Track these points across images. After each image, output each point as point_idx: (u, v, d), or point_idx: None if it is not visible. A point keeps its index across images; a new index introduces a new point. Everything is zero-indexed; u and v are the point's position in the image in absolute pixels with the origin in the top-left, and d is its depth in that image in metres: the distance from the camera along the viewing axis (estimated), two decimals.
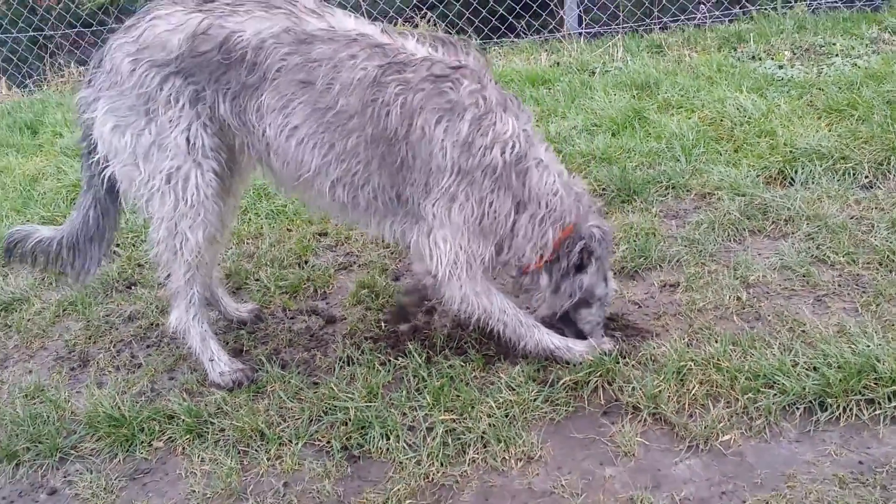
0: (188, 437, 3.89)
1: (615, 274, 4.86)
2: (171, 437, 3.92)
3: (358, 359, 4.28)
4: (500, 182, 3.86)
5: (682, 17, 9.72)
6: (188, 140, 3.85)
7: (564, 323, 4.28)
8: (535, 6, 9.76)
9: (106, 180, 4.05)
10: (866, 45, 7.99)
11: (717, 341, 4.05)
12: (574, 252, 4.04)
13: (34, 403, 4.24)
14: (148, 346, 4.68)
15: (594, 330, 4.24)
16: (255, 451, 3.77)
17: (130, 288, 5.27)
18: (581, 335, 4.24)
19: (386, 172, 3.87)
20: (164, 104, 3.81)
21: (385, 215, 4.04)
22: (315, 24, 3.80)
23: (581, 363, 4.03)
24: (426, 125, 3.75)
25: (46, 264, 4.41)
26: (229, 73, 3.81)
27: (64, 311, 5.11)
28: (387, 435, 3.74)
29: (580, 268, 4.09)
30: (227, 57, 3.77)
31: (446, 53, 3.86)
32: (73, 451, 3.92)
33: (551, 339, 4.12)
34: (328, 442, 3.78)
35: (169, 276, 4.15)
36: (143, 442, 3.90)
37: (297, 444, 3.77)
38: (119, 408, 4.05)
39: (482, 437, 3.68)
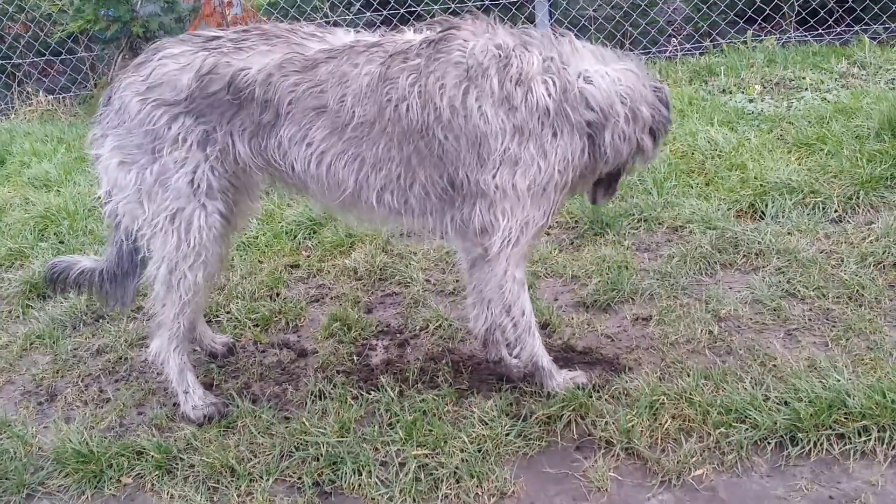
0: (157, 473, 3.83)
1: (588, 307, 4.88)
2: (139, 474, 3.86)
3: (330, 393, 4.25)
4: (561, 122, 3.68)
5: (654, 50, 9.82)
6: (192, 182, 3.82)
7: (608, 185, 4.15)
8: None
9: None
10: (836, 79, 8.08)
11: (689, 375, 4.06)
12: (666, 107, 3.90)
13: (0, 439, 4.17)
14: (117, 381, 4.63)
15: (614, 194, 4.24)
16: (226, 487, 3.72)
17: (98, 321, 5.21)
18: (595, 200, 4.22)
19: (429, 164, 3.76)
20: (170, 143, 3.79)
21: (443, 210, 3.90)
22: (315, 46, 3.77)
23: (553, 395, 4.03)
24: (454, 101, 3.64)
25: (91, 293, 4.54)
26: (242, 113, 3.78)
27: (31, 344, 5.04)
28: (359, 470, 3.71)
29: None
30: (236, 96, 3.74)
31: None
32: (40, 488, 3.86)
33: (543, 358, 4.10)
34: (299, 478, 3.74)
35: (160, 307, 4.12)
36: (111, 478, 3.84)
37: (268, 480, 3.72)
38: (87, 443, 3.99)
39: (455, 473, 3.65)
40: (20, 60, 10.61)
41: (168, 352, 4.17)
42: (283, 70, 3.72)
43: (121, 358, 4.82)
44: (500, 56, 3.66)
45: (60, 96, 10.43)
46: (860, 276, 4.79)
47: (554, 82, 3.66)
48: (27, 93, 10.45)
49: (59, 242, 6.21)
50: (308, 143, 3.78)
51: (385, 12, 9.87)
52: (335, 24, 4.01)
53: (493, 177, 3.68)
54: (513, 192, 3.69)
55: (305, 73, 3.72)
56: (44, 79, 10.87)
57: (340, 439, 3.88)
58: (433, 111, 3.65)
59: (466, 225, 3.86)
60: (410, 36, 3.82)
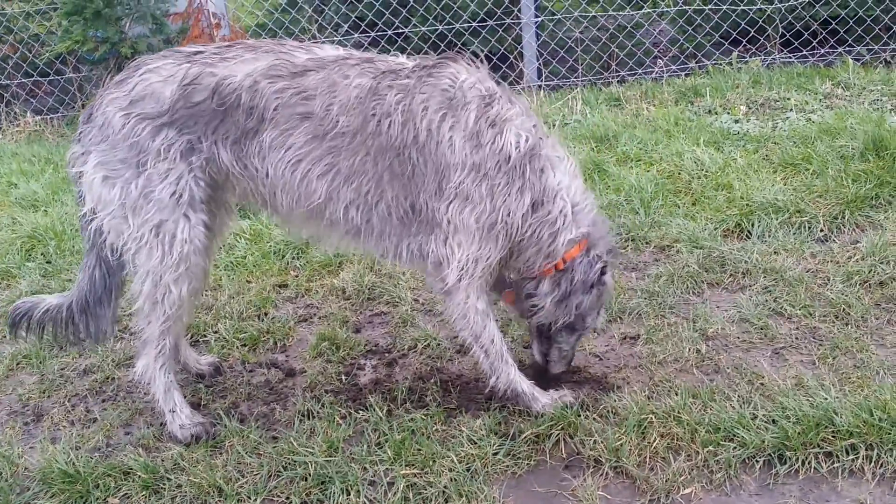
0: (144, 493, 3.81)
1: None
2: (126, 494, 3.84)
3: (318, 412, 4.24)
4: (515, 176, 3.75)
5: (640, 71, 9.88)
6: (174, 193, 3.83)
7: (542, 340, 4.22)
8: (495, 58, 9.85)
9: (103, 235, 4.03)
10: (820, 99, 8.15)
11: (677, 394, 4.07)
12: (593, 271, 3.95)
13: None
14: (103, 401, 4.60)
15: (562, 361, 4.24)
16: None
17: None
18: (545, 360, 4.25)
19: (398, 184, 3.80)
20: (154, 156, 3.80)
21: (401, 235, 3.93)
22: (303, 56, 3.82)
23: (542, 415, 4.03)
24: (431, 126, 3.71)
25: (57, 333, 4.35)
26: (227, 121, 3.80)
27: (18, 364, 5.01)
28: (347, 490, 3.69)
29: (590, 287, 3.99)
30: (221, 104, 3.76)
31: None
32: None
33: (522, 383, 4.10)
34: (287, 498, 3.72)
35: (146, 324, 4.09)
36: (98, 499, 3.81)
37: (256, 500, 3.70)
38: (74, 464, 3.97)
39: (444, 492, 3.64)
40: (8, 81, 10.59)
41: (154, 370, 4.15)
42: (270, 76, 3.76)
43: (107, 378, 4.79)
44: (485, 96, 3.75)
45: (48, 117, 10.41)
46: (846, 295, 4.82)
47: (527, 139, 3.77)
48: (15, 113, 10.41)
49: (47, 262, 6.18)
50: (287, 147, 3.80)
51: (373, 34, 9.91)
52: None
53: (447, 208, 3.76)
54: (462, 226, 3.76)
55: (293, 80, 3.76)
56: (31, 99, 10.84)
57: (328, 459, 3.86)
58: (412, 131, 3.72)
59: (422, 255, 3.92)
60: (403, 59, 3.89)
